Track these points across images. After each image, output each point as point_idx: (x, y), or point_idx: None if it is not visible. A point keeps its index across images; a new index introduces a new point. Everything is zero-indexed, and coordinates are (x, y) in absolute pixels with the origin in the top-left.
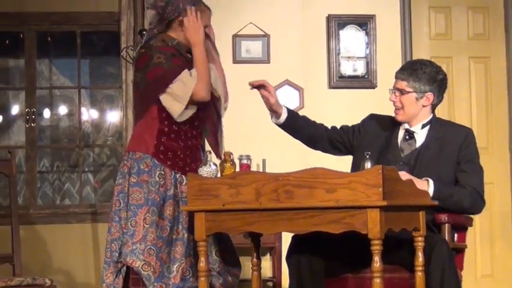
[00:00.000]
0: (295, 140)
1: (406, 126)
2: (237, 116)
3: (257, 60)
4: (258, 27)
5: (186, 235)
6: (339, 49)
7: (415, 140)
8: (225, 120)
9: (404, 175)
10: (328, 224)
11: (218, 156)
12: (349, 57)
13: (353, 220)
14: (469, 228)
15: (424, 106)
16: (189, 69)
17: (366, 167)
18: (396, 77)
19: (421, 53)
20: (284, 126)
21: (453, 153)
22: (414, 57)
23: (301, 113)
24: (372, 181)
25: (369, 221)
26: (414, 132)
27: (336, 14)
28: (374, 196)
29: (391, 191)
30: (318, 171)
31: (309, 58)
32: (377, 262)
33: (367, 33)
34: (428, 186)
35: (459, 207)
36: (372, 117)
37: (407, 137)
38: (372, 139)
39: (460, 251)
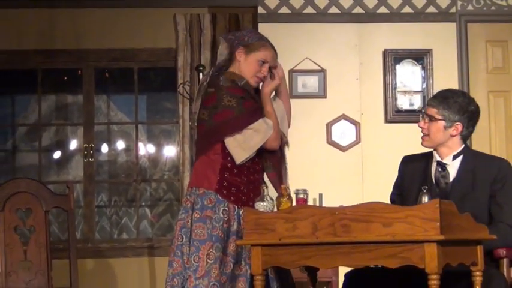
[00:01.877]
0: (352, 174)
1: (438, 158)
2: (294, 151)
3: (313, 95)
4: (314, 62)
5: (248, 271)
6: (396, 83)
7: (448, 172)
8: None
9: None
10: (385, 259)
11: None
12: (405, 92)
13: (410, 254)
14: None
15: (452, 136)
16: (260, 111)
17: (423, 201)
18: (427, 104)
19: (478, 87)
20: None
21: (486, 186)
22: (472, 92)
23: (358, 147)
24: (429, 215)
25: (426, 256)
26: (446, 164)
27: (393, 49)
28: (431, 230)
29: (449, 225)
30: (375, 205)
31: (366, 92)
32: None
33: (423, 68)
34: None
35: (494, 247)
36: (405, 160)
37: (440, 170)
38: (410, 181)
39: None
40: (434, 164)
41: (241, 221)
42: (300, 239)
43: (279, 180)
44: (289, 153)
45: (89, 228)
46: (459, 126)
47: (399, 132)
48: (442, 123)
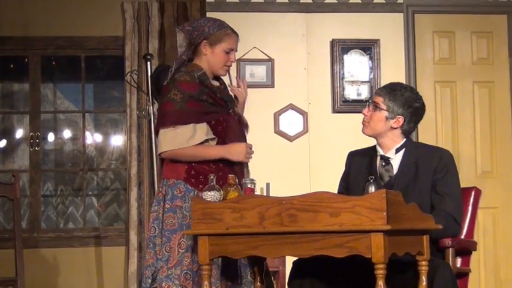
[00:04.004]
0: (299, 164)
1: (381, 152)
2: None
3: (261, 84)
4: (262, 52)
5: (220, 259)
6: (343, 73)
7: (391, 165)
8: None
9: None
10: (332, 248)
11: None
12: (353, 82)
13: (357, 244)
14: (473, 252)
15: (392, 128)
16: (203, 113)
17: (370, 191)
18: (375, 92)
19: (424, 77)
20: None
21: (428, 177)
22: (418, 82)
23: (305, 137)
24: (375, 205)
25: (372, 245)
26: (389, 158)
27: (340, 39)
28: (378, 220)
29: (395, 215)
30: (322, 195)
31: (313, 82)
32: (381, 286)
33: (371, 58)
34: None
35: (436, 233)
36: (351, 154)
37: (383, 164)
38: (355, 175)
39: (464, 275)
40: (378, 159)
41: None
42: (247, 229)
43: (241, 170)
44: None
45: (35, 217)
46: (400, 119)
47: (346, 122)
48: (385, 113)
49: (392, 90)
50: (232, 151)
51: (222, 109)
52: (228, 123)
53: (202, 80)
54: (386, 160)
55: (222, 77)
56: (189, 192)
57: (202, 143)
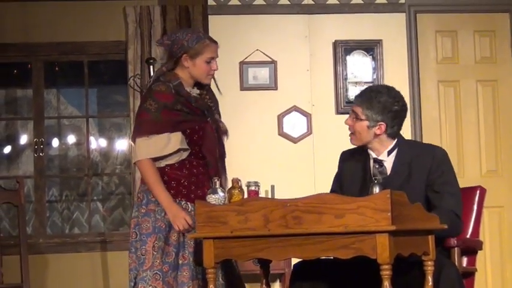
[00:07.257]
0: (304, 165)
1: (374, 155)
2: (245, 143)
3: (264, 86)
4: (265, 54)
5: (191, 259)
6: (346, 74)
7: (385, 167)
8: (233, 146)
9: None
10: (337, 250)
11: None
12: (356, 83)
13: (362, 245)
14: (479, 251)
15: (377, 135)
16: (178, 122)
17: (374, 192)
18: (354, 101)
19: (428, 77)
20: None
21: (421, 176)
22: (421, 82)
23: (309, 138)
24: (380, 206)
25: (378, 246)
26: (382, 160)
27: (343, 40)
28: (383, 221)
29: (400, 215)
30: (326, 196)
31: (316, 84)
32: (387, 287)
33: (374, 58)
34: None
35: (440, 232)
36: (344, 154)
37: (377, 166)
38: (350, 176)
39: (470, 274)
40: (371, 161)
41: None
42: (252, 232)
43: (217, 174)
44: (241, 145)
45: (40, 223)
46: (383, 126)
47: None
48: (366, 123)
49: (368, 98)
50: (173, 211)
51: (198, 118)
52: (205, 131)
53: (177, 89)
54: (379, 163)
55: (207, 84)
56: None
57: (176, 152)
